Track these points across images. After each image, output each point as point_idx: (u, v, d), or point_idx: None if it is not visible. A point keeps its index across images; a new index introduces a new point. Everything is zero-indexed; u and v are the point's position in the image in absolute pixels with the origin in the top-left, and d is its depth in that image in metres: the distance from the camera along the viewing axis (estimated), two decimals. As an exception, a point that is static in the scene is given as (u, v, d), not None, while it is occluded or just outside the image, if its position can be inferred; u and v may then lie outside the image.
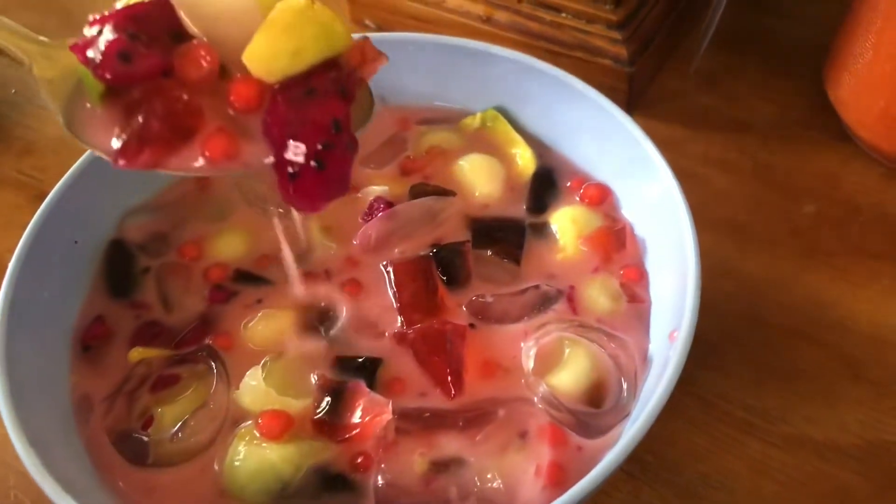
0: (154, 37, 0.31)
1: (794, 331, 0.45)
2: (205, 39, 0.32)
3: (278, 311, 0.41)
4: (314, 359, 0.39)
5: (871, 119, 0.50)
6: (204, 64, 0.31)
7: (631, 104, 0.55)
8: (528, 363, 0.38)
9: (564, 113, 0.46)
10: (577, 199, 0.45)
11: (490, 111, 0.48)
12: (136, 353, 0.40)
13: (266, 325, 0.41)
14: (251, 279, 0.43)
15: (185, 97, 0.31)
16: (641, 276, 0.42)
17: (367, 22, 0.62)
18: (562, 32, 0.54)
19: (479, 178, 0.46)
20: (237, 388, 0.38)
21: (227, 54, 0.32)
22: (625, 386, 0.37)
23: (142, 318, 0.42)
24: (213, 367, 0.38)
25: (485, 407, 0.37)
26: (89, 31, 0.31)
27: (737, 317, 0.46)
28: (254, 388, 0.38)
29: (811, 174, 0.52)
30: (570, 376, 0.37)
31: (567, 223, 0.43)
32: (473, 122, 0.48)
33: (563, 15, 0.54)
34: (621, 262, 0.42)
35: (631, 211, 0.44)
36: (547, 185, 0.46)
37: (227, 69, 0.32)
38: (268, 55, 0.31)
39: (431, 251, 0.42)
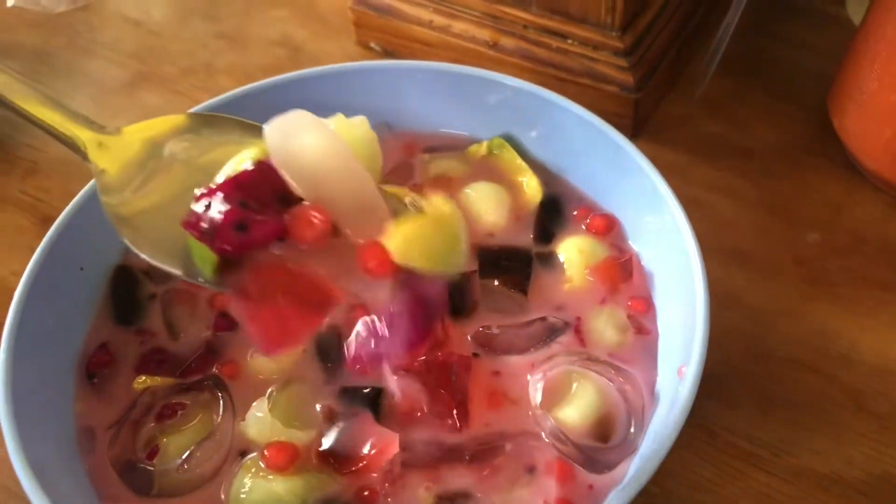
0: (264, 203, 0.32)
1: (799, 362, 0.45)
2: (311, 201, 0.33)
3: None
4: (319, 389, 0.39)
5: (877, 149, 0.50)
6: (317, 223, 0.32)
7: (636, 130, 0.55)
8: (536, 396, 0.38)
9: (571, 141, 0.46)
10: (584, 228, 0.45)
11: (496, 139, 0.48)
12: (141, 382, 0.40)
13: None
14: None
15: (308, 274, 0.32)
16: (648, 307, 0.42)
17: (373, 45, 0.62)
18: (568, 59, 0.54)
19: (485, 206, 0.46)
20: (243, 418, 0.38)
21: (335, 213, 0.32)
22: (632, 421, 0.37)
23: (147, 345, 0.41)
24: (220, 396, 0.38)
25: (492, 440, 0.37)
26: (197, 206, 0.31)
27: (741, 347, 0.46)
28: (259, 419, 0.37)
29: (816, 203, 0.52)
30: (577, 410, 0.37)
31: (574, 253, 0.43)
32: (480, 149, 0.48)
33: (570, 41, 0.54)
34: (628, 292, 0.42)
35: (638, 241, 0.44)
36: (553, 214, 0.46)
37: (336, 227, 0.33)
38: (405, 247, 0.32)
39: None
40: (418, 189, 0.47)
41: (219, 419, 0.38)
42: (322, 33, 0.65)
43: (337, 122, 0.34)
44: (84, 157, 0.35)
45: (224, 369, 0.40)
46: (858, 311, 0.47)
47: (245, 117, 0.46)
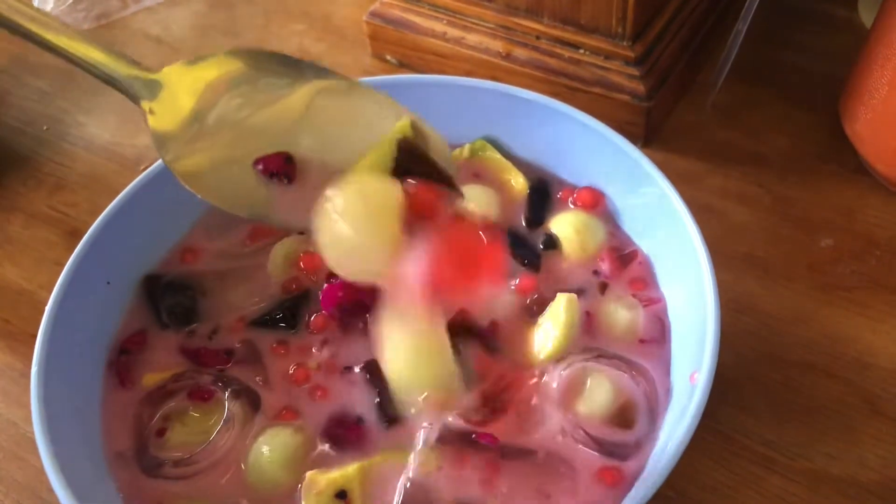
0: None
1: (813, 366, 0.45)
2: None
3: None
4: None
5: (888, 153, 0.50)
6: None
7: (649, 138, 0.56)
8: (553, 395, 0.39)
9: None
10: (571, 206, 0.47)
11: (479, 141, 0.49)
12: (150, 379, 0.41)
13: None
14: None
15: None
16: (649, 282, 0.43)
17: (389, 58, 0.63)
18: (580, 69, 0.55)
19: (477, 208, 0.47)
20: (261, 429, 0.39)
21: None
22: (649, 410, 0.39)
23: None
24: (245, 408, 0.39)
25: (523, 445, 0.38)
26: None
27: (755, 351, 0.46)
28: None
29: (829, 208, 0.52)
30: (595, 403, 0.39)
31: (570, 231, 0.45)
32: (462, 153, 0.49)
33: (582, 51, 0.55)
34: (627, 276, 0.44)
35: (640, 235, 0.45)
36: (542, 198, 0.47)
37: None
38: None
39: None
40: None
41: (229, 430, 0.39)
42: (338, 46, 0.66)
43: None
44: (134, 99, 0.38)
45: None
46: (872, 316, 0.47)
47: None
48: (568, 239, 0.45)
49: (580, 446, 0.38)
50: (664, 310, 0.42)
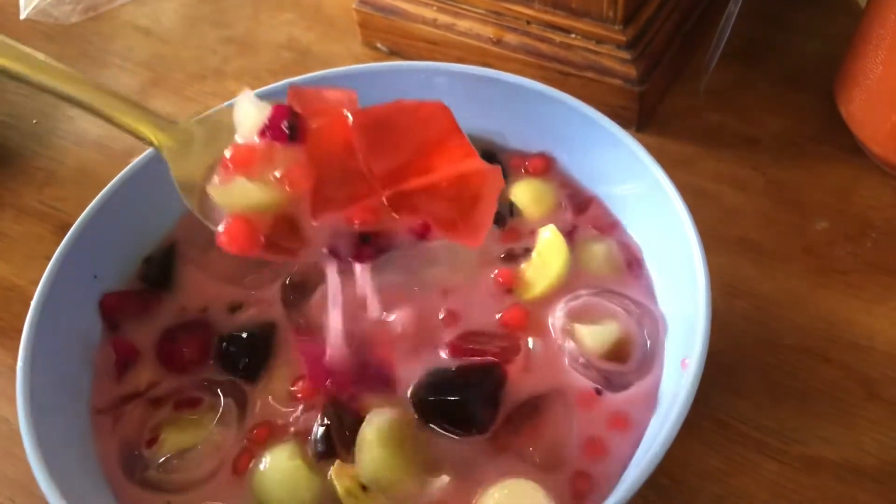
0: None
1: (809, 350, 0.45)
2: None
3: None
4: None
5: (883, 134, 0.50)
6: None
7: (642, 123, 0.55)
8: (558, 324, 0.41)
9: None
10: (524, 172, 0.47)
11: None
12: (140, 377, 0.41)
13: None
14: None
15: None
16: (613, 226, 0.45)
17: (379, 45, 0.63)
18: (572, 53, 0.55)
19: None
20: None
21: None
22: (648, 343, 0.40)
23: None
24: (234, 407, 0.39)
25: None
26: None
27: (750, 336, 0.46)
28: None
29: (824, 190, 0.52)
30: (597, 335, 0.40)
31: (528, 200, 0.46)
32: None
33: (573, 36, 0.55)
34: (589, 218, 0.45)
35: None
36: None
37: None
38: None
39: None
40: None
41: (223, 429, 0.38)
42: (329, 35, 0.65)
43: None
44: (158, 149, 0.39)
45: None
46: (868, 298, 0.47)
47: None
48: (528, 208, 0.46)
49: (579, 376, 0.39)
50: (638, 250, 0.44)
